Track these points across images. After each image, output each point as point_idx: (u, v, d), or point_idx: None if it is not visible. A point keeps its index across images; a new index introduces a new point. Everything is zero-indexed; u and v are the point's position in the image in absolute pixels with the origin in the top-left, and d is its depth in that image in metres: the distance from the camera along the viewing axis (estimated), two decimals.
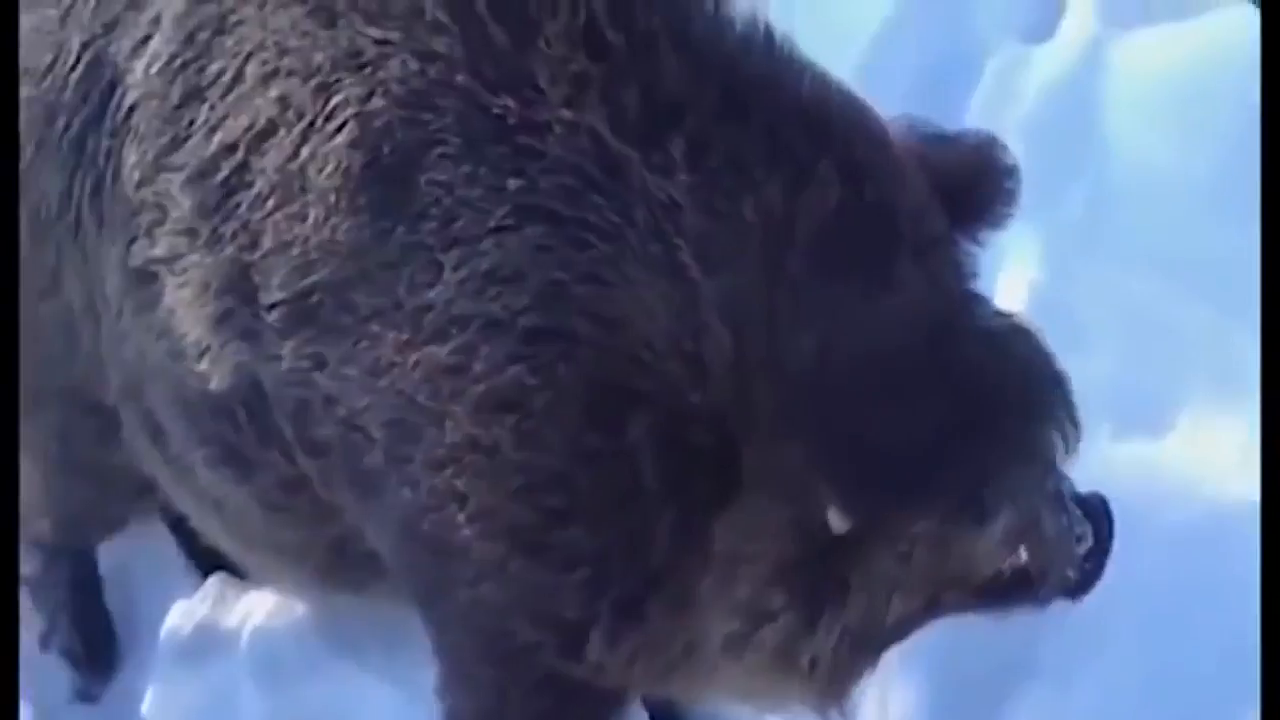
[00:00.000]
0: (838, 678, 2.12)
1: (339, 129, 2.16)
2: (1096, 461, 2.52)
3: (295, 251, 2.20)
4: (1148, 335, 2.70)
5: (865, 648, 2.11)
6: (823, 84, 2.12)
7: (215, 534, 2.64)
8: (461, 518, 2.14)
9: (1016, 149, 2.47)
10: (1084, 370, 2.67)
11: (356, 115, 2.15)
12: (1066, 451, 2.11)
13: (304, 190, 2.18)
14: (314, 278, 2.19)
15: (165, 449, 2.50)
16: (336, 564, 2.42)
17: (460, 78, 2.10)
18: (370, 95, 2.15)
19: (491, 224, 2.08)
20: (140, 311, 2.38)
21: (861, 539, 2.01)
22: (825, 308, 1.98)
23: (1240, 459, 2.51)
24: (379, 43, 2.15)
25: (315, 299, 2.19)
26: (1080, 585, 2.15)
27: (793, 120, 2.04)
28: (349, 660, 2.82)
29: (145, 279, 2.36)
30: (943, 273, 2.07)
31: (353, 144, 2.15)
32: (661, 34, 2.07)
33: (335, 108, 2.17)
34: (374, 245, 2.14)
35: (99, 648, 3.05)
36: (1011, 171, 2.14)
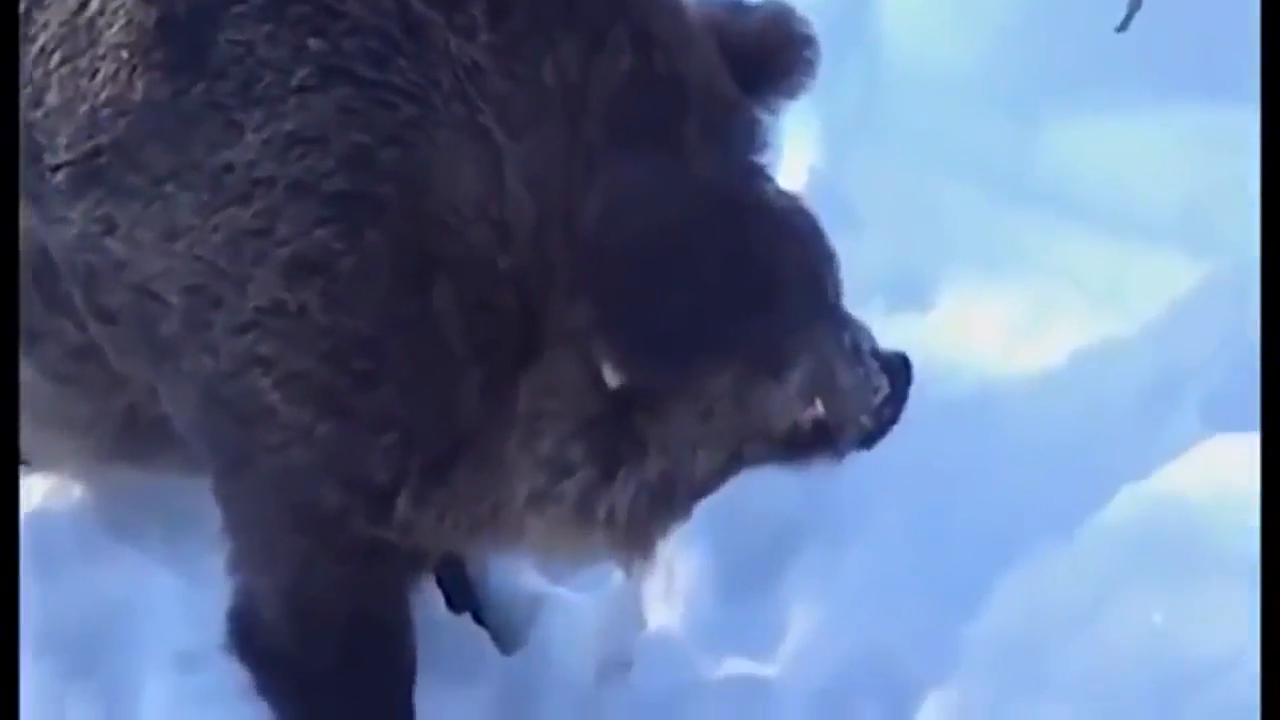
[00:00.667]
0: (639, 530, 2.18)
1: None
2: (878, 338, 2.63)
3: (82, 109, 2.15)
4: (918, 217, 2.79)
5: (670, 501, 2.16)
6: None
7: None
8: (266, 382, 2.13)
9: None
10: (858, 250, 2.79)
11: None
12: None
13: (92, 45, 2.14)
14: (103, 137, 2.14)
15: None
16: (125, 434, 2.38)
17: None
18: None
19: (294, 84, 2.07)
20: None
21: (659, 397, 2.07)
22: (617, 173, 2.02)
23: (1003, 336, 2.63)
24: None
25: (104, 159, 2.15)
26: (874, 433, 2.21)
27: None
28: (129, 545, 2.77)
29: None
30: (733, 142, 2.11)
31: (144, 1, 2.12)
32: None
33: None
34: (169, 103, 2.10)
35: None
36: (809, 41, 2.19)
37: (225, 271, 2.11)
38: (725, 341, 2.04)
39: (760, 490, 2.52)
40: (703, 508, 2.55)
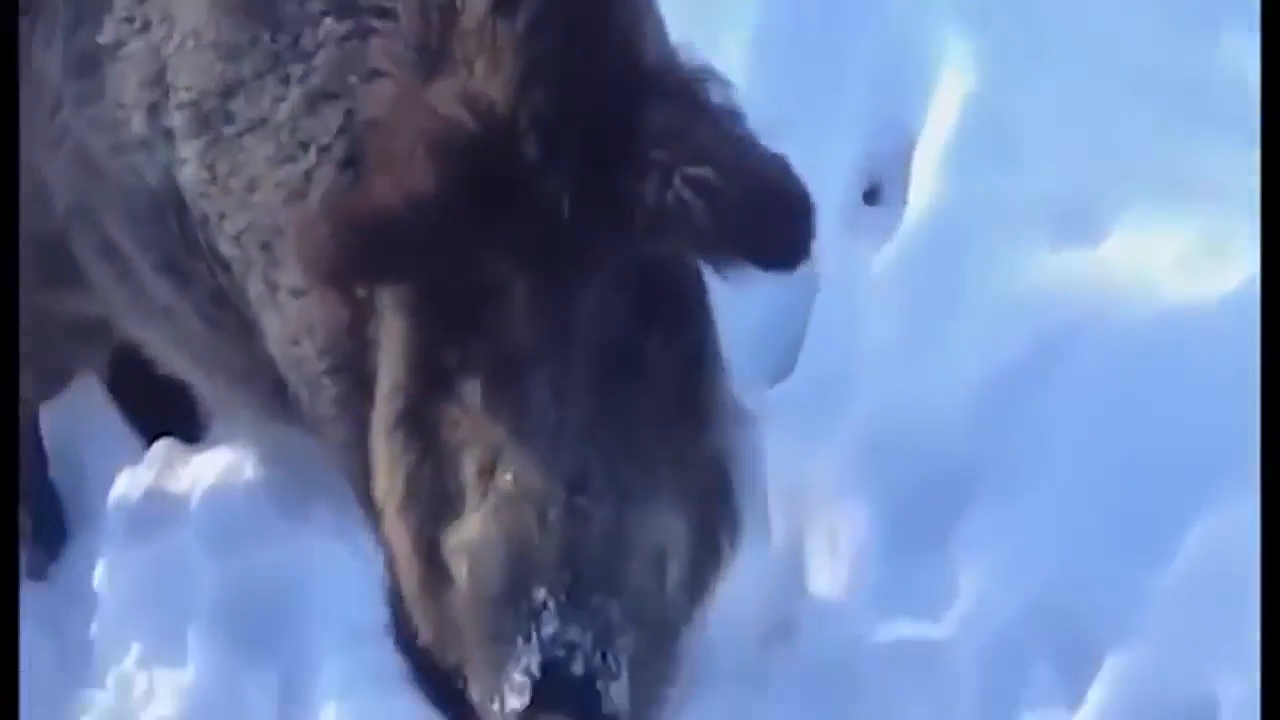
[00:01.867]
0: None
1: None
2: (1039, 272, 2.51)
3: (191, 46, 2.16)
4: (1085, 143, 2.64)
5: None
6: None
7: (174, 357, 2.58)
8: (312, 352, 2.12)
9: None
10: (1021, 181, 2.67)
11: None
12: None
13: None
14: (208, 82, 2.15)
15: (117, 263, 2.44)
16: (277, 387, 2.33)
17: None
18: None
19: (321, 34, 2.05)
20: (82, 104, 2.32)
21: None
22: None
23: (1178, 263, 2.48)
24: None
25: (209, 105, 2.15)
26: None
27: None
28: (299, 521, 2.79)
29: (87, 67, 2.29)
30: None
31: None
32: None
33: None
34: (249, 49, 2.11)
35: (46, 522, 3.00)
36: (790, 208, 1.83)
37: (285, 232, 2.08)
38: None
39: (923, 439, 2.44)
40: (867, 460, 2.48)
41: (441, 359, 1.89)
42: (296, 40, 2.07)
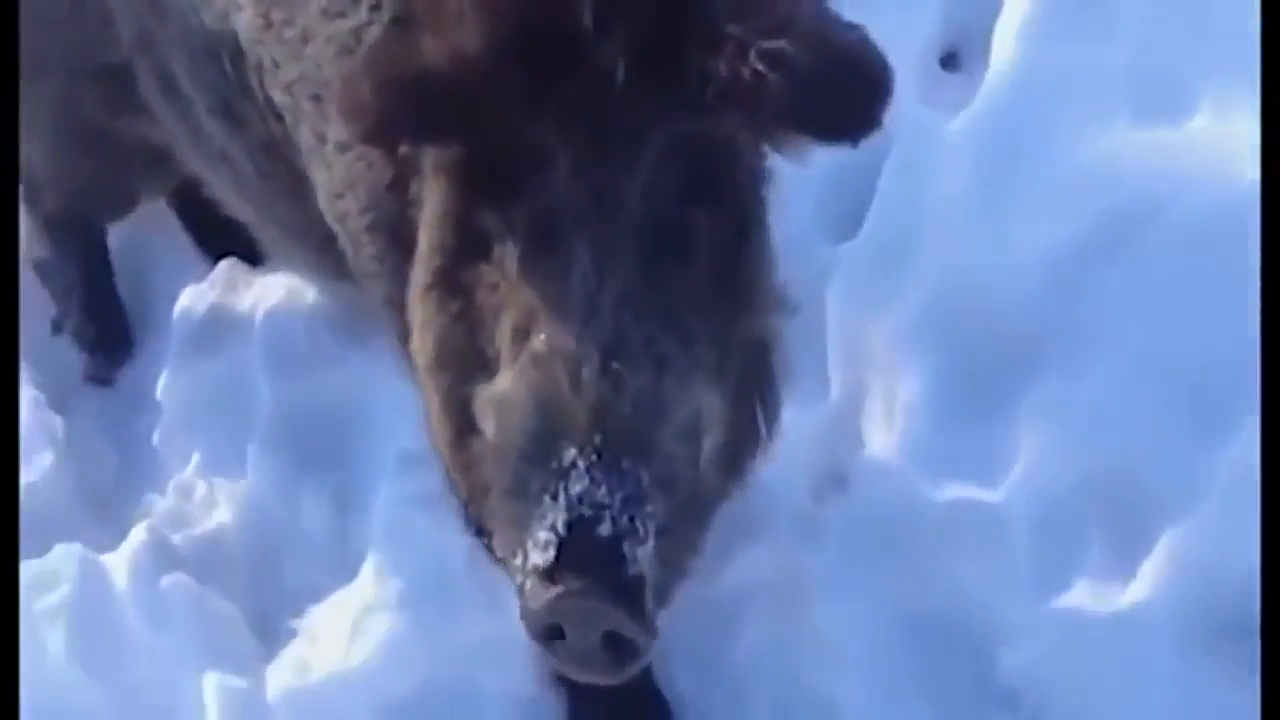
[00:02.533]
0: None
1: None
2: (1116, 149, 2.48)
3: None
4: (1171, 19, 2.58)
5: None
6: None
7: (231, 201, 2.61)
8: (355, 207, 2.12)
9: None
10: (1103, 55, 2.61)
11: None
12: None
13: None
14: None
15: (176, 100, 2.46)
16: (327, 240, 2.34)
17: None
18: None
19: None
20: None
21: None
22: None
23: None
24: None
25: None
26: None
27: None
28: (359, 350, 2.83)
29: None
30: None
31: None
32: None
33: None
34: None
35: (111, 331, 3.06)
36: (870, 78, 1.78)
37: (334, 86, 2.05)
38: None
39: (989, 306, 2.42)
40: (929, 324, 2.47)
41: (482, 221, 1.86)
42: None
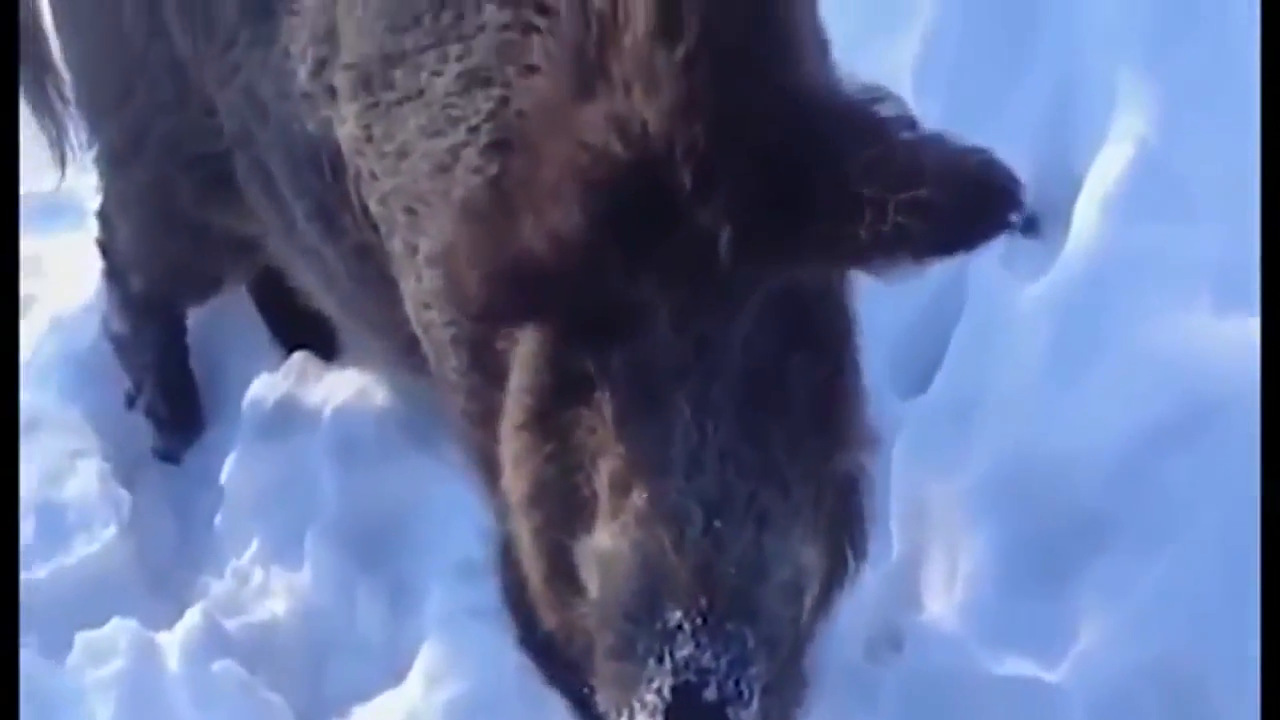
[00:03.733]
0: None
1: None
2: (1196, 335, 2.49)
3: (359, 13, 2.20)
4: (1254, 207, 2.61)
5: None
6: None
7: (318, 292, 2.66)
8: (440, 320, 2.15)
9: (1129, 6, 2.35)
10: (1186, 238, 2.64)
11: None
12: None
13: None
14: (371, 48, 2.19)
15: (273, 196, 2.52)
16: (412, 341, 2.37)
17: None
18: None
19: (483, 19, 2.07)
20: (255, 45, 2.38)
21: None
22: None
23: None
24: None
25: (371, 69, 2.19)
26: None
27: None
28: (425, 452, 2.86)
29: (264, 13, 2.35)
30: None
31: None
32: None
33: None
34: (411, 25, 2.14)
35: (183, 411, 3.10)
36: (1005, 196, 1.82)
37: (428, 201, 2.12)
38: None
39: (1061, 480, 2.43)
40: (996, 491, 2.48)
41: (578, 365, 1.88)
42: (458, 20, 2.09)
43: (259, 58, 2.37)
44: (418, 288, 2.20)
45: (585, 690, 1.94)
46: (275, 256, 2.72)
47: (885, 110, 1.88)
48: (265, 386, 3.01)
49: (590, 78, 1.87)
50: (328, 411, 2.95)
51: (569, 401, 1.90)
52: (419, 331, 2.28)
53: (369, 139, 2.22)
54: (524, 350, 1.97)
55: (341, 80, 2.24)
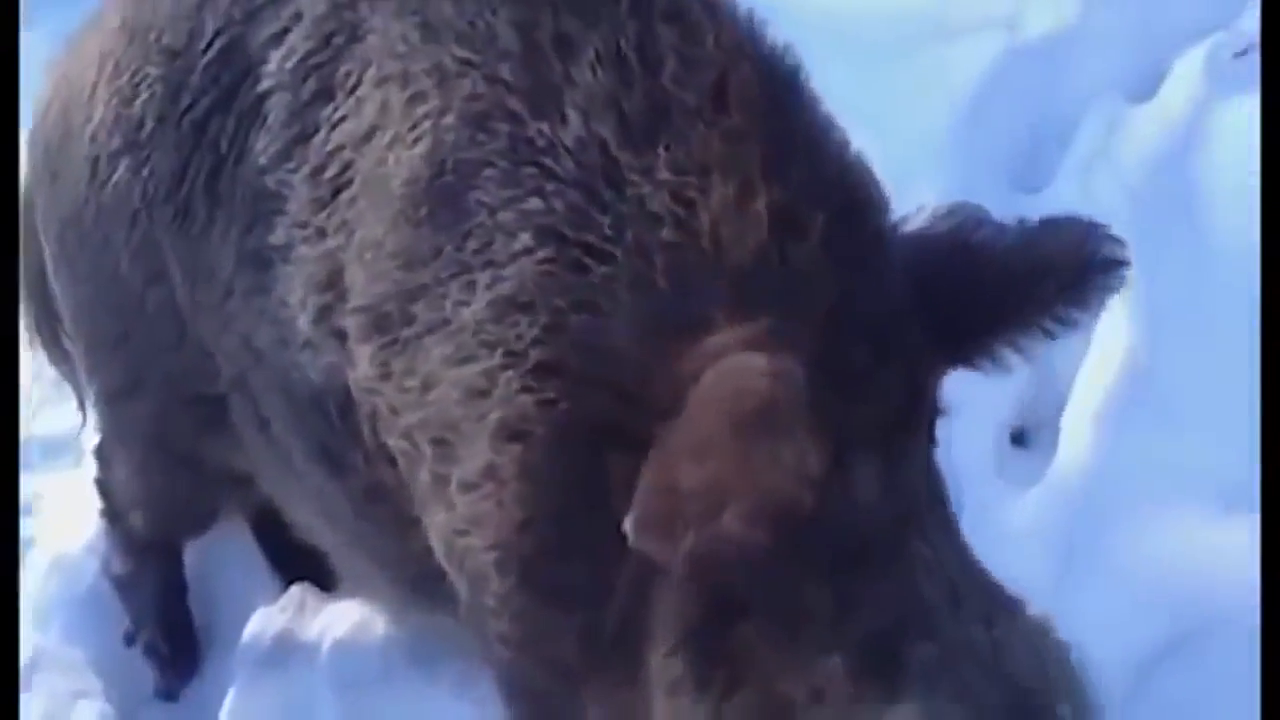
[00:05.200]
0: None
1: (418, 140, 2.20)
2: (1190, 543, 2.51)
3: (370, 256, 2.23)
4: (1245, 416, 2.66)
5: None
6: (825, 133, 2.07)
7: (317, 529, 2.66)
8: (480, 545, 2.16)
9: (1112, 211, 2.45)
10: (1175, 449, 2.68)
11: (433, 128, 2.19)
12: None
13: (384, 195, 2.22)
14: (385, 287, 2.22)
15: (269, 438, 2.52)
16: (424, 577, 2.39)
17: (513, 101, 2.14)
18: (445, 110, 2.19)
19: (516, 248, 2.10)
20: (251, 295, 2.41)
21: (748, 616, 1.95)
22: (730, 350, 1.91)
23: None
24: (461, 61, 2.19)
25: (386, 308, 2.22)
26: None
27: (764, 138, 2.00)
28: (426, 677, 2.85)
29: (259, 264, 2.38)
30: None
31: (425, 156, 2.19)
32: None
33: (419, 119, 2.21)
34: (431, 259, 2.17)
35: (182, 649, 3.08)
36: (1109, 265, 2.00)
37: (459, 428, 2.14)
38: (840, 613, 1.90)
39: None
40: None
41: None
42: (486, 248, 2.12)
43: (255, 306, 2.41)
44: (450, 517, 2.20)
45: None
46: (270, 496, 2.73)
47: (970, 220, 2.04)
48: (263, 621, 2.99)
49: (674, 309, 1.98)
50: (327, 643, 2.93)
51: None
52: (445, 562, 2.28)
53: (385, 376, 2.23)
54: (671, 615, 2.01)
55: (352, 324, 2.26)
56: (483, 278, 2.11)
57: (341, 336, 2.28)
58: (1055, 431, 2.80)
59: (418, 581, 2.42)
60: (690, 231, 1.99)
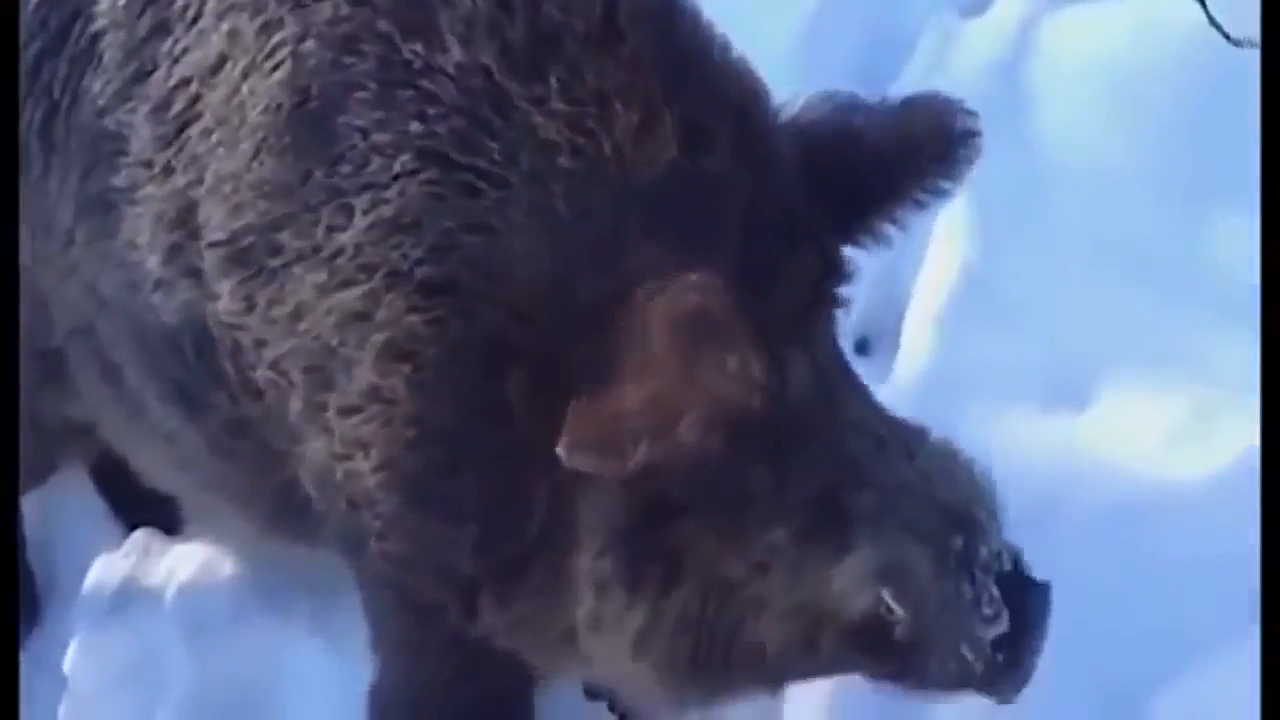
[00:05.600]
0: (680, 672, 2.09)
1: (276, 67, 2.17)
2: (1023, 436, 2.58)
3: (228, 189, 2.20)
4: (1077, 315, 2.73)
5: (724, 655, 2.06)
6: (712, 43, 2.12)
7: (167, 475, 2.62)
8: (367, 467, 2.16)
9: None
10: (1013, 346, 2.75)
11: (292, 54, 2.16)
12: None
13: (241, 126, 2.19)
14: (247, 219, 2.19)
15: (117, 385, 2.47)
16: (284, 510, 2.40)
17: (382, 24, 2.12)
18: (305, 36, 2.16)
19: (396, 169, 2.09)
20: (94, 241, 2.36)
21: (694, 523, 2.02)
22: (652, 266, 1.98)
23: (1166, 439, 2.55)
24: None
25: (248, 241, 2.19)
26: (994, 679, 2.02)
27: (661, 61, 2.04)
28: (276, 617, 2.81)
29: (102, 207, 2.33)
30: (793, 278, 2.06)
31: (285, 83, 2.16)
32: None
33: (275, 46, 2.17)
34: (298, 186, 2.15)
35: (22, 601, 3.01)
36: (969, 136, 2.15)
37: (337, 353, 2.14)
38: (780, 489, 2.00)
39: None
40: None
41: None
42: (360, 171, 2.11)
43: (100, 252, 2.36)
44: (329, 442, 2.19)
45: None
46: (113, 445, 2.67)
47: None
48: (106, 566, 2.94)
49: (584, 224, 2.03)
50: (173, 588, 2.88)
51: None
52: (320, 490, 2.26)
53: (250, 309, 2.21)
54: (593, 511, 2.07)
55: (210, 259, 2.23)
56: (360, 202, 2.10)
57: (196, 274, 2.25)
58: (896, 338, 2.85)
59: (277, 517, 2.41)
60: (592, 159, 2.02)
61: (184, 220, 2.25)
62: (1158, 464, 2.40)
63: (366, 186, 2.10)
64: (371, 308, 2.10)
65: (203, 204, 2.23)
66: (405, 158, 2.09)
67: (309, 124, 2.14)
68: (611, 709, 2.61)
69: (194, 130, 2.23)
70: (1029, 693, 2.25)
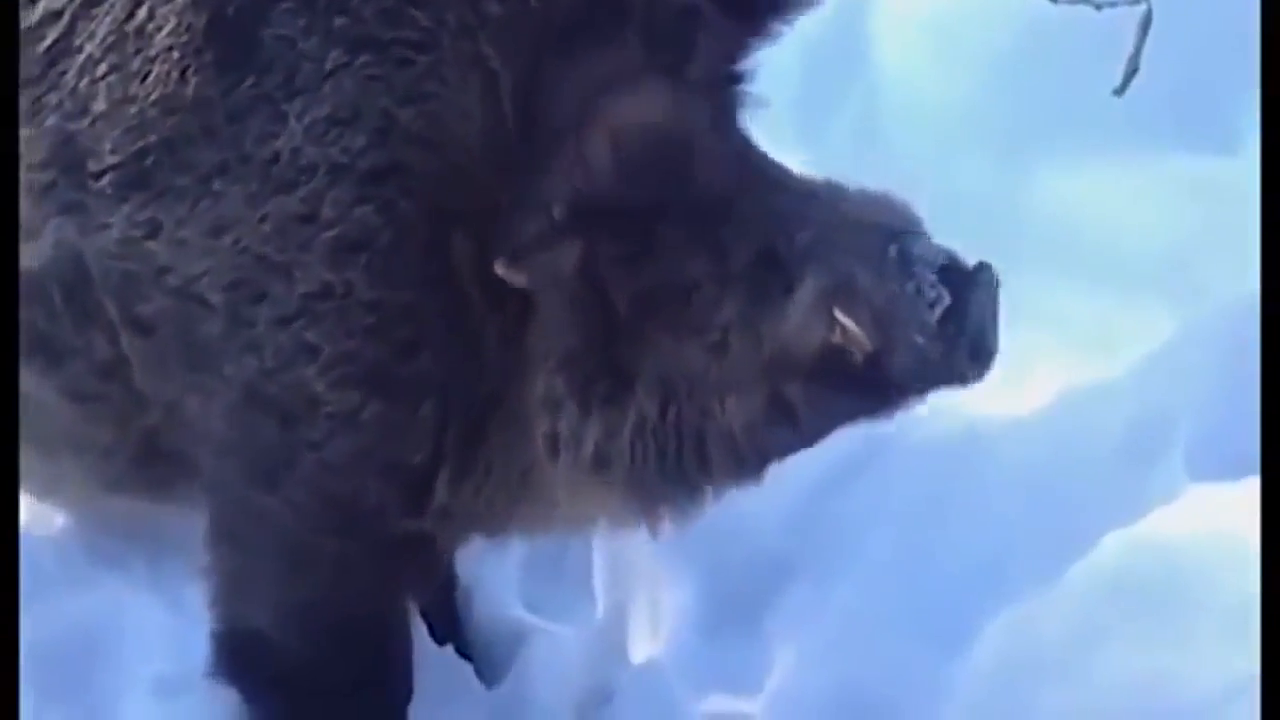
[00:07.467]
0: (643, 483, 2.13)
1: None
2: None
3: (131, 111, 2.18)
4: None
5: (697, 453, 2.11)
6: None
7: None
8: (312, 371, 2.16)
9: (784, 74, 2.57)
10: None
11: None
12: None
13: (141, 49, 2.18)
14: (151, 137, 2.18)
15: None
16: (141, 462, 2.38)
17: None
18: None
19: (328, 67, 2.12)
20: None
21: (642, 328, 2.07)
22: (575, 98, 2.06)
23: (999, 377, 2.63)
24: None
25: (150, 160, 2.18)
26: (950, 358, 2.05)
27: None
28: (112, 571, 2.78)
29: None
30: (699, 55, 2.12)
31: (194, 3, 2.17)
32: None
33: None
34: (219, 99, 2.15)
35: None
36: None
37: (272, 261, 2.15)
38: (720, 265, 2.05)
39: (747, 526, 2.55)
40: (689, 542, 2.57)
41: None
42: (292, 78, 2.13)
43: None
44: (261, 359, 2.17)
45: None
46: None
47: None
48: None
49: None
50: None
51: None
52: (226, 422, 2.23)
53: (152, 234, 2.19)
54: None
55: (97, 189, 2.20)
56: (292, 107, 2.12)
57: (74, 208, 2.22)
58: None
59: (133, 466, 2.38)
60: (513, 3, 2.06)
61: (58, 156, 2.22)
62: (983, 402, 2.47)
63: (298, 92, 2.12)
64: (315, 208, 2.12)
65: (81, 136, 2.21)
66: (335, 53, 2.12)
67: (230, 37, 2.15)
68: (460, 653, 2.63)
69: (69, 64, 2.21)
70: (864, 617, 2.34)
